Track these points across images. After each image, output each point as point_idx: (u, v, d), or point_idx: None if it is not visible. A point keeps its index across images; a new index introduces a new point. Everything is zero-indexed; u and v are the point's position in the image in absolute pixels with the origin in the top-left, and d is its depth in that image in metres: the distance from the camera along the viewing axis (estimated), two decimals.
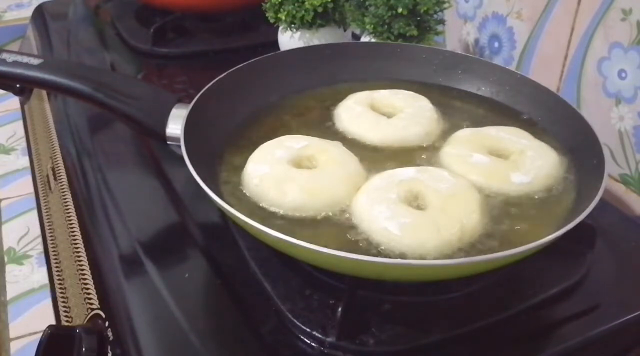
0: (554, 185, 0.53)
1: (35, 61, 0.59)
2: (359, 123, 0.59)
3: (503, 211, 0.50)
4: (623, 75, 0.59)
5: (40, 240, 0.75)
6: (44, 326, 0.49)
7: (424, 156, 0.56)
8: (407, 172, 0.51)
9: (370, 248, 0.46)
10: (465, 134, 0.57)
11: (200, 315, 0.48)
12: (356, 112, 0.60)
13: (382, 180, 0.50)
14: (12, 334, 0.64)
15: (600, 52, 0.61)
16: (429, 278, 0.47)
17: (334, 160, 0.52)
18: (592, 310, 0.49)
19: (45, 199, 0.78)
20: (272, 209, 0.49)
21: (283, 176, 0.50)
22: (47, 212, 0.75)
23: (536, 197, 0.52)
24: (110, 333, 0.48)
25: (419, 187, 0.49)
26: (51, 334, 0.48)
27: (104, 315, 0.50)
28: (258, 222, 0.42)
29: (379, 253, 0.45)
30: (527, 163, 0.53)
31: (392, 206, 0.47)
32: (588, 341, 0.47)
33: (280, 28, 0.80)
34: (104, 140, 0.71)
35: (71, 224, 0.63)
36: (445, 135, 0.59)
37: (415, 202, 0.49)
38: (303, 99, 0.65)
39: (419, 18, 0.70)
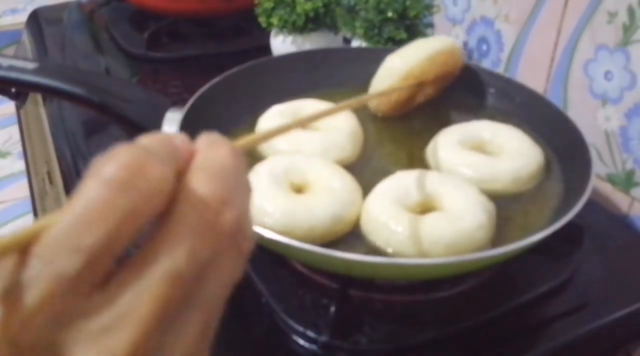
0: (541, 183, 0.53)
1: (31, 65, 0.60)
2: None
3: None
4: (609, 76, 0.60)
5: None
6: None
7: (415, 158, 0.57)
8: (408, 176, 0.50)
9: (376, 250, 0.46)
10: (449, 133, 0.57)
11: None
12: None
13: (387, 184, 0.50)
14: None
15: (586, 54, 0.62)
16: (419, 276, 0.47)
17: (326, 189, 0.50)
18: (580, 308, 0.49)
19: (41, 203, 0.78)
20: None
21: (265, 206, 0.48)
22: (43, 215, 0.75)
23: (523, 194, 0.52)
24: None
25: (423, 191, 0.49)
26: None
27: None
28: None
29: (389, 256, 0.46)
30: (513, 159, 0.53)
31: (398, 210, 0.47)
32: (577, 339, 0.47)
33: (273, 32, 0.81)
34: (99, 144, 0.71)
35: None
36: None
37: (420, 205, 0.48)
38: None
39: (408, 22, 0.70)
